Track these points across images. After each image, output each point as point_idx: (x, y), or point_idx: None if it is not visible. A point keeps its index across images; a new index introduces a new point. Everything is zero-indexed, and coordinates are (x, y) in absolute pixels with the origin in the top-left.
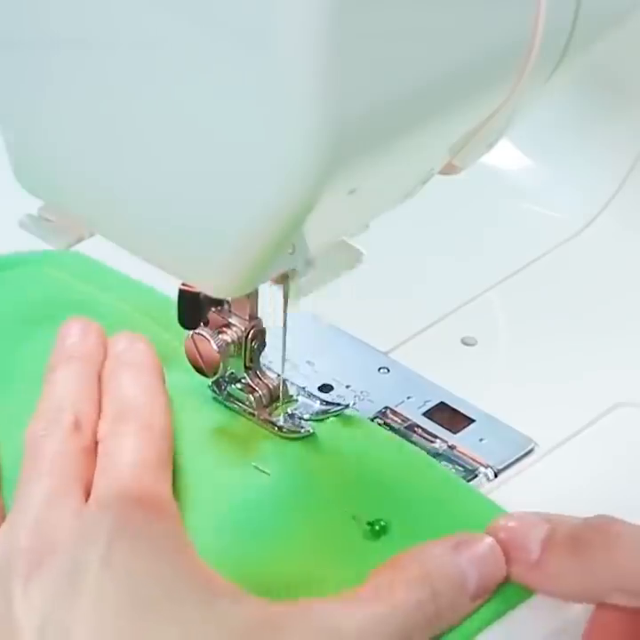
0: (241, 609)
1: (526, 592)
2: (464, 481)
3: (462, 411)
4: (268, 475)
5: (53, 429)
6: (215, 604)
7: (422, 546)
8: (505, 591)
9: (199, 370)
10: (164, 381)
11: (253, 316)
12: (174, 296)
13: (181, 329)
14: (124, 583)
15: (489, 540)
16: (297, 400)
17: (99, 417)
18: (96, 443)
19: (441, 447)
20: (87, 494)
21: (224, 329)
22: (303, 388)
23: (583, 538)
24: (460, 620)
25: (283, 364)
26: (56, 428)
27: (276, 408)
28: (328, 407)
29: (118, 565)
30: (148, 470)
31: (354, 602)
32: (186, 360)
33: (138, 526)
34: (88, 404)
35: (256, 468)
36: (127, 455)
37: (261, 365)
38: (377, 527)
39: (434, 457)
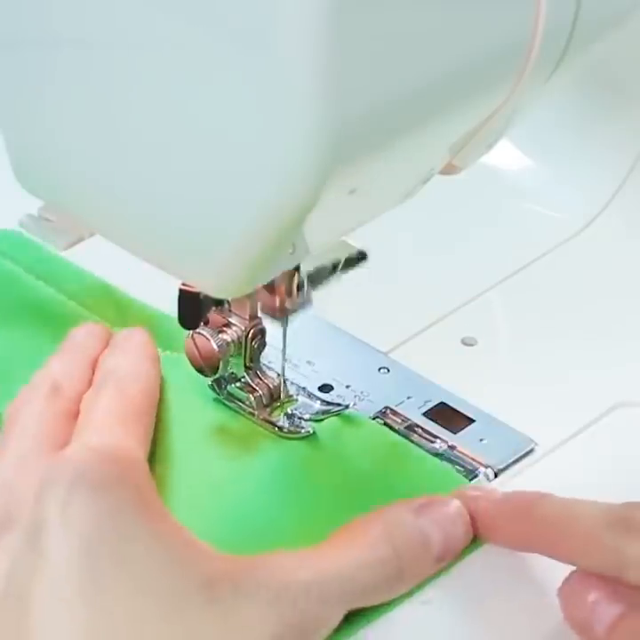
0: (204, 563)
1: None
2: (466, 479)
3: (462, 411)
4: None
5: (33, 395)
6: (174, 555)
7: (384, 508)
8: None
9: (199, 369)
10: (156, 357)
11: (254, 316)
12: (174, 296)
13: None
14: (79, 541)
15: (455, 502)
16: (297, 400)
17: (86, 389)
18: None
19: (441, 447)
20: None
21: (224, 328)
22: (303, 388)
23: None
24: (421, 581)
25: (283, 360)
26: (36, 394)
27: (277, 408)
28: (328, 407)
29: (75, 518)
30: (116, 424)
31: (311, 558)
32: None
33: (98, 474)
34: (75, 376)
35: None
36: (98, 412)
37: (261, 365)
38: None
39: (434, 457)
